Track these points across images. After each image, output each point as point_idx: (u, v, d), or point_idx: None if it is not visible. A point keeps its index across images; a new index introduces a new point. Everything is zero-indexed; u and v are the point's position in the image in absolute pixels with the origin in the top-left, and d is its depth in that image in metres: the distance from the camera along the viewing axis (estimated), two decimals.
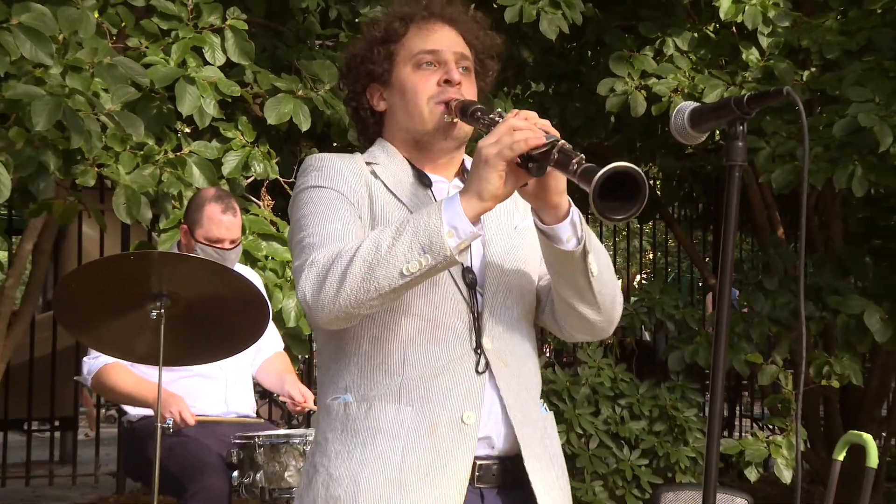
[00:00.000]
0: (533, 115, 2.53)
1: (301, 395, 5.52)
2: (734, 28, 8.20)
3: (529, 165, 2.50)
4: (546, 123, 2.53)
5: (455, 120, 2.76)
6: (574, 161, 2.42)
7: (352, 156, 2.83)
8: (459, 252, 2.48)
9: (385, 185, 2.76)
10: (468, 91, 2.80)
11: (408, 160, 2.82)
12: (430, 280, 2.62)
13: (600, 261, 2.69)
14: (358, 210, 2.71)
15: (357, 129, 2.97)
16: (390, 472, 2.62)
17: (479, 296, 2.73)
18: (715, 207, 12.07)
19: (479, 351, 2.69)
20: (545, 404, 2.86)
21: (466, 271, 2.72)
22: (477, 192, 2.48)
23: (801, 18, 8.14)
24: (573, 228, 2.60)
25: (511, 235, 2.81)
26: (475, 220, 2.48)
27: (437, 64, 2.80)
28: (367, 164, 2.80)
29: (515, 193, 2.68)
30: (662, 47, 8.18)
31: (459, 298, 2.71)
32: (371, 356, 2.69)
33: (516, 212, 2.83)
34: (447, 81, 2.78)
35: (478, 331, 2.70)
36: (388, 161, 2.81)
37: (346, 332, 2.71)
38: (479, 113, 2.68)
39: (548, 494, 2.72)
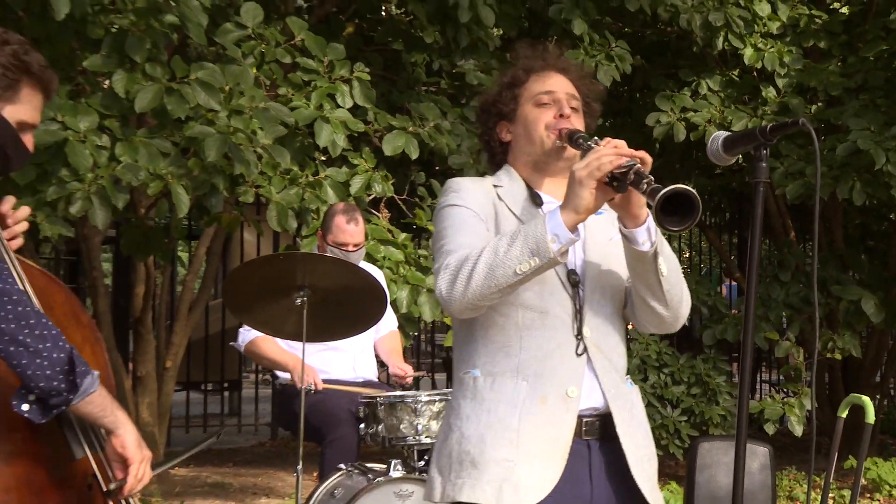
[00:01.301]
0: (622, 143, 2.50)
1: (402, 371, 5.55)
2: (755, 72, 8.14)
3: (614, 184, 2.48)
4: (622, 145, 2.50)
5: (564, 145, 2.73)
6: (644, 181, 2.40)
7: (482, 179, 2.81)
8: (560, 254, 2.47)
9: (507, 204, 2.74)
10: (577, 124, 2.77)
11: (526, 182, 2.79)
12: (542, 279, 2.60)
13: (670, 264, 2.65)
14: (486, 224, 2.69)
15: (487, 157, 2.93)
16: (509, 434, 2.59)
17: (580, 293, 2.69)
18: (738, 216, 11.97)
19: (579, 337, 2.65)
20: (630, 380, 2.81)
21: (571, 273, 2.68)
22: (573, 207, 2.46)
23: (809, 63, 8.08)
24: (647, 234, 2.57)
25: (607, 245, 2.75)
26: (573, 229, 2.46)
27: (552, 102, 2.76)
28: (494, 186, 2.77)
29: (614, 214, 2.67)
30: (697, 88, 8.16)
31: (565, 295, 2.67)
32: (495, 340, 2.67)
33: (612, 227, 2.75)
34: (561, 115, 2.75)
35: (580, 321, 2.66)
36: (510, 184, 2.78)
37: (475, 321, 2.68)
38: (581, 140, 2.65)
39: (633, 454, 2.69)
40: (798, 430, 7.88)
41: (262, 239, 10.39)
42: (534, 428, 2.59)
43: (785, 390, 8.85)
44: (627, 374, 2.83)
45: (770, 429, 7.93)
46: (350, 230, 5.36)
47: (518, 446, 2.59)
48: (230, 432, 11.01)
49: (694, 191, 2.39)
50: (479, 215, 2.70)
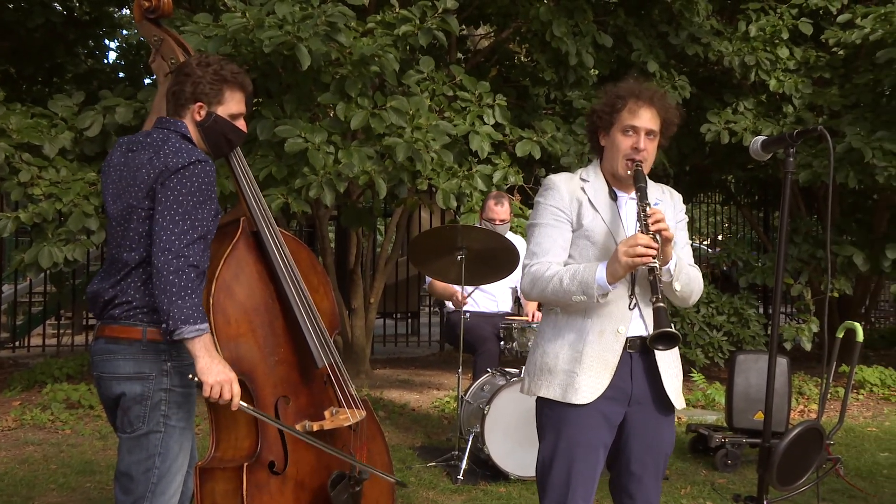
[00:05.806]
0: (648, 242, 2.41)
1: (532, 313, 5.50)
2: (777, 96, 7.84)
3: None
4: (648, 244, 2.42)
5: (630, 173, 2.59)
6: (654, 296, 2.40)
7: (571, 176, 2.71)
8: (601, 297, 2.49)
9: (588, 197, 2.64)
10: (650, 152, 2.63)
11: (607, 181, 2.68)
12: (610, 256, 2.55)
13: (683, 282, 2.59)
14: (568, 216, 2.63)
15: (590, 146, 2.79)
16: (575, 354, 2.57)
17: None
18: (764, 197, 11.59)
19: (631, 296, 2.58)
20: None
21: None
22: (612, 273, 2.45)
23: (817, 89, 7.79)
24: (668, 273, 2.54)
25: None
26: (611, 283, 2.47)
27: (634, 133, 2.61)
28: (582, 179, 2.67)
29: (674, 201, 2.67)
30: (737, 107, 7.90)
31: None
32: None
33: (674, 217, 2.69)
34: (634, 148, 2.61)
35: (632, 285, 2.58)
36: (595, 180, 2.68)
37: None
38: (640, 192, 2.52)
39: (664, 368, 2.61)
40: (807, 346, 7.73)
41: (433, 215, 10.43)
42: (592, 352, 2.57)
43: (797, 319, 8.64)
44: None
45: (787, 346, 7.80)
46: (496, 210, 5.31)
47: (580, 363, 2.56)
48: (413, 346, 11.11)
49: (676, 331, 2.39)
50: (564, 211, 2.62)
